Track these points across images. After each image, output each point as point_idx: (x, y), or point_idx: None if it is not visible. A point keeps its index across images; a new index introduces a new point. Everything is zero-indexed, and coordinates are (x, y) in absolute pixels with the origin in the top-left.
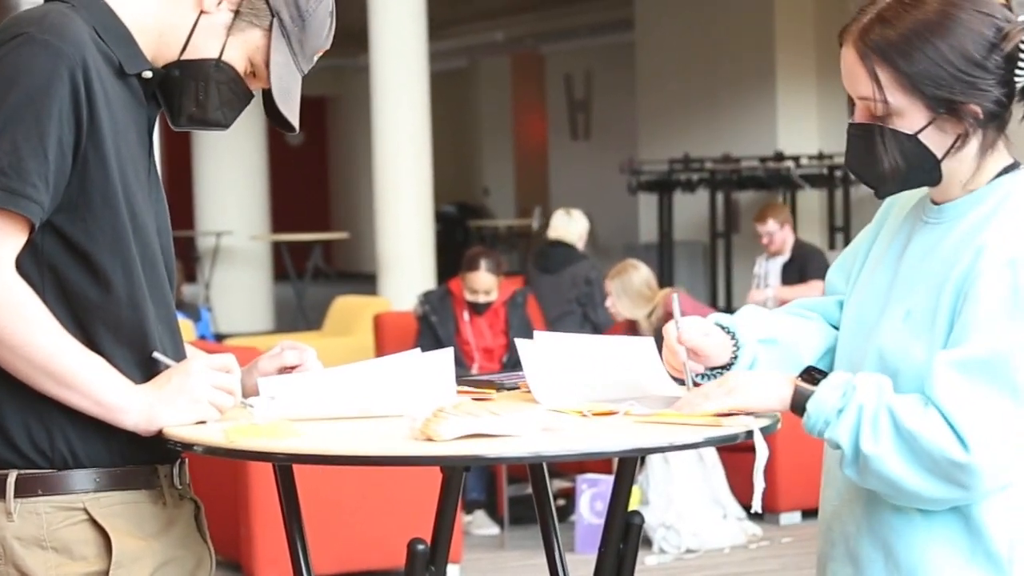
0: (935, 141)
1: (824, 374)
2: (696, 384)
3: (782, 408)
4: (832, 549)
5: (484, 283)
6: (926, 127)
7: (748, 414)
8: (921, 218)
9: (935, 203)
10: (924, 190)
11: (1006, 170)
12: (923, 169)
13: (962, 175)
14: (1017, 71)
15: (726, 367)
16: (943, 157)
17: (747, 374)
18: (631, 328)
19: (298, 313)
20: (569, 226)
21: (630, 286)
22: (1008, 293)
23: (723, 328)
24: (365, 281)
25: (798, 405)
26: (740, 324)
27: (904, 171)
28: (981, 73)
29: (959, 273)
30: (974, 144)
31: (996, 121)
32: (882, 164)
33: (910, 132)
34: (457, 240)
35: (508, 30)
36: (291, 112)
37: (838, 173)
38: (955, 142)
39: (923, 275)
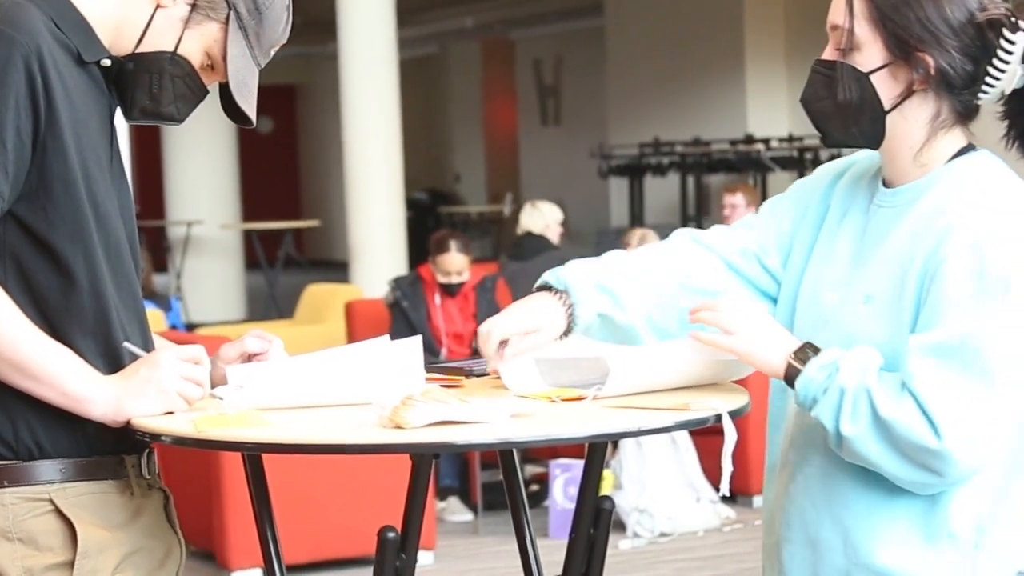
0: (885, 88)
1: (817, 351)
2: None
3: (776, 375)
4: (789, 532)
5: (456, 263)
6: (880, 69)
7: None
8: (874, 202)
9: (889, 186)
10: (867, 168)
11: (961, 152)
12: (869, 117)
13: (911, 140)
14: (991, 69)
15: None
16: (890, 108)
17: (763, 326)
18: None
19: (270, 302)
20: (534, 218)
21: None
22: (974, 276)
23: (552, 288)
24: (337, 269)
25: (789, 381)
26: (579, 291)
27: (853, 110)
28: (948, 32)
29: (923, 256)
30: (924, 110)
31: (951, 92)
32: (835, 97)
33: (864, 70)
34: (428, 227)
35: (477, 16)
36: (248, 105)
37: (808, 155)
38: (903, 93)
39: (882, 259)
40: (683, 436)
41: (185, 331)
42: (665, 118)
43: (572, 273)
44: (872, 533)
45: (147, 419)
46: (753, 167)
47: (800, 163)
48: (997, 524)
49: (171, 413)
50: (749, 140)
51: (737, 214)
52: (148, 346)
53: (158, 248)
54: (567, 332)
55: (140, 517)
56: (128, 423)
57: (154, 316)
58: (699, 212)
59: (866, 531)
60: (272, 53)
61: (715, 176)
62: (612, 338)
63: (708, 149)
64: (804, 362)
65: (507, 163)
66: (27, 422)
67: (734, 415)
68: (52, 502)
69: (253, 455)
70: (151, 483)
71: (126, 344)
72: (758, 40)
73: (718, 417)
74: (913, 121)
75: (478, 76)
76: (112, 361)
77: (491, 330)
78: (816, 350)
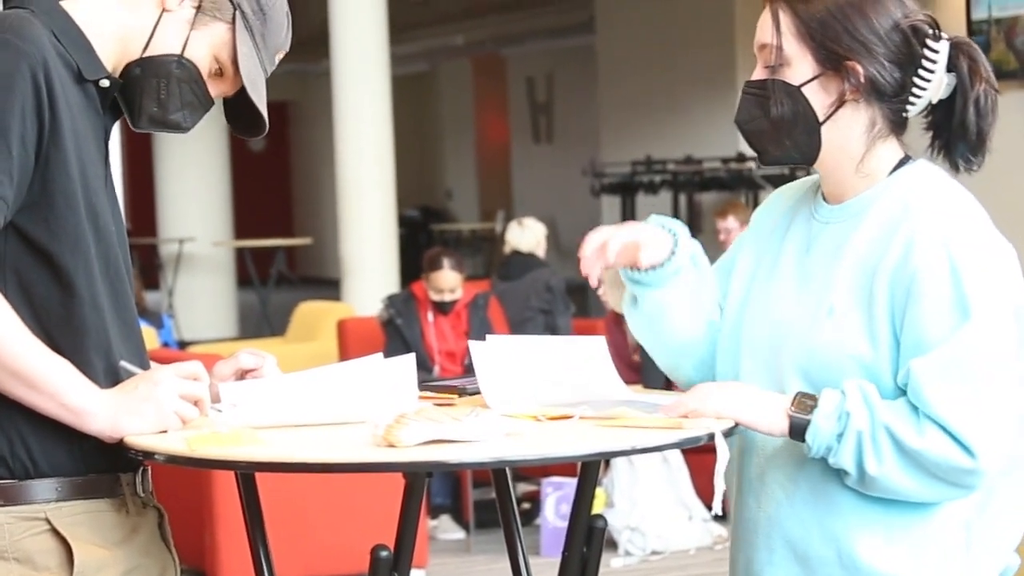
0: (818, 100)
1: (814, 399)
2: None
3: (778, 434)
4: (770, 555)
5: (449, 281)
6: (811, 80)
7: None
8: (815, 220)
9: (832, 201)
10: (802, 187)
11: (902, 163)
12: (804, 130)
13: (851, 152)
14: (916, 79)
15: (655, 267)
16: (824, 119)
17: (750, 392)
18: (618, 320)
19: (262, 319)
20: (522, 236)
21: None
22: (951, 281)
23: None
24: (328, 286)
25: (796, 434)
26: (682, 232)
27: (787, 124)
28: (875, 40)
29: (891, 265)
30: (858, 120)
31: (882, 100)
32: (769, 114)
33: (796, 83)
34: (420, 244)
35: (469, 33)
36: (262, 103)
37: (800, 174)
38: (835, 104)
39: (840, 272)
40: (675, 454)
41: (177, 348)
42: (657, 136)
43: (675, 221)
44: (868, 542)
45: (140, 437)
46: (745, 185)
47: (792, 181)
48: (987, 514)
49: (165, 432)
50: (741, 158)
51: (733, 237)
52: (144, 364)
53: (150, 265)
54: (661, 264)
55: (136, 535)
56: (122, 440)
57: (146, 333)
58: (691, 230)
59: (861, 541)
60: (277, 60)
61: (707, 194)
62: (680, 295)
63: (700, 167)
64: (806, 414)
65: (499, 180)
66: (22, 440)
67: (727, 434)
68: (48, 521)
69: (246, 473)
70: (145, 501)
71: (123, 363)
72: (749, 58)
73: (711, 436)
74: (849, 132)
75: (469, 93)
76: (112, 375)
77: (606, 238)
78: (811, 398)
